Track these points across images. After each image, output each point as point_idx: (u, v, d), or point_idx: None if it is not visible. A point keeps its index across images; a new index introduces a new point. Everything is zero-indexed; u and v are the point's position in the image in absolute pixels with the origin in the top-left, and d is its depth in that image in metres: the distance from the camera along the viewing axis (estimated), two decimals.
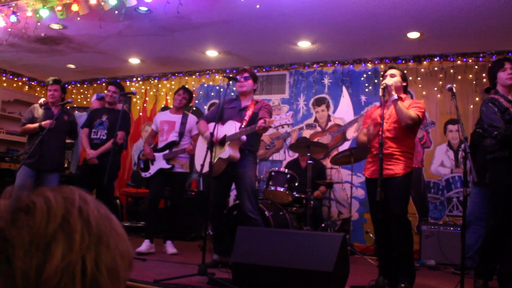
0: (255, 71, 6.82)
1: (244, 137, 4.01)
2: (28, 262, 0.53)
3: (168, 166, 4.97)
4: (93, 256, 0.57)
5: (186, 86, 5.59)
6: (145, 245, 4.74)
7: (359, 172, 5.83)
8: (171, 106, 5.58)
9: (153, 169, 5.03)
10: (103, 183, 4.27)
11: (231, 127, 4.07)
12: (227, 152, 4.00)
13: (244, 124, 4.10)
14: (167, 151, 5.01)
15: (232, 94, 4.46)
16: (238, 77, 4.31)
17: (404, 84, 3.71)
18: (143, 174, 5.12)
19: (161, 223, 5.19)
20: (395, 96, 3.51)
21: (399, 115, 3.49)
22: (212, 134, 3.72)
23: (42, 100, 5.27)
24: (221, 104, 4.15)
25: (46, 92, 7.93)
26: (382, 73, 6.01)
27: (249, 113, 4.20)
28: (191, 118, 5.16)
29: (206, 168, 3.92)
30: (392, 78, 3.66)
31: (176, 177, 5.02)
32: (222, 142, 4.06)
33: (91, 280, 0.56)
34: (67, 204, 0.59)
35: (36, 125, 4.94)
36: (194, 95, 7.52)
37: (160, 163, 5.00)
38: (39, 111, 5.13)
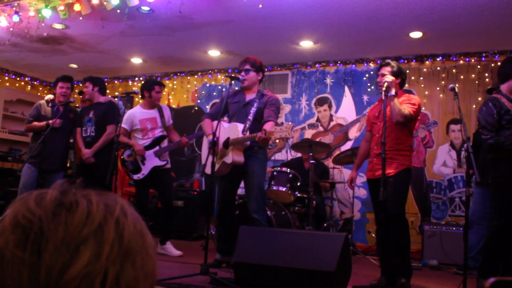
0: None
1: (247, 142, 3.89)
2: (55, 259, 0.54)
3: (162, 163, 4.82)
4: (116, 270, 0.56)
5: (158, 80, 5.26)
6: None
7: (362, 172, 5.82)
8: (141, 102, 5.28)
9: (146, 168, 4.79)
10: (106, 182, 4.24)
11: (234, 129, 3.93)
12: (230, 157, 3.88)
13: (248, 124, 3.94)
14: (157, 148, 4.83)
15: (236, 88, 4.36)
16: (240, 68, 4.18)
17: (398, 80, 3.64)
18: (135, 177, 4.82)
19: (158, 223, 5.10)
20: (393, 92, 3.50)
21: (392, 112, 3.49)
22: (214, 134, 3.68)
23: (49, 97, 5.20)
24: (224, 99, 4.06)
25: (48, 92, 8.00)
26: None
27: (253, 110, 4.01)
28: (165, 108, 5.07)
29: (209, 169, 3.88)
30: (383, 78, 3.64)
31: (167, 173, 4.90)
32: (226, 145, 3.95)
33: None
34: (106, 213, 0.59)
35: (43, 123, 4.87)
36: (196, 95, 7.53)
37: (153, 161, 4.80)
38: (46, 109, 5.06)
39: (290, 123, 3.62)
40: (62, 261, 0.54)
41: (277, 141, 3.65)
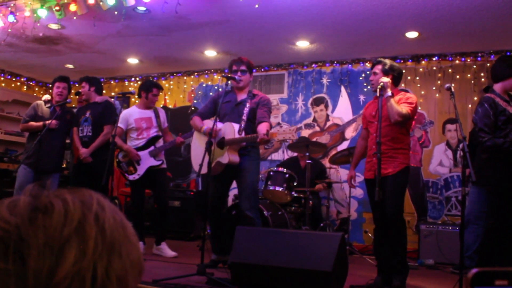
0: (254, 70, 6.82)
1: (243, 142, 3.92)
2: (40, 263, 0.53)
3: (157, 163, 4.81)
4: (105, 264, 0.57)
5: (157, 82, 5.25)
6: (140, 247, 4.68)
7: (358, 171, 5.82)
8: (137, 102, 5.26)
9: (141, 169, 4.79)
10: (102, 182, 4.24)
11: (229, 129, 3.95)
12: (226, 157, 3.90)
13: (242, 124, 3.95)
14: (152, 148, 4.83)
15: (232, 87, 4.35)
16: (234, 67, 4.18)
17: (389, 77, 3.61)
18: (130, 177, 4.82)
19: (154, 223, 5.08)
20: (389, 93, 3.50)
21: (389, 111, 3.48)
22: (211, 134, 3.68)
23: (46, 97, 5.17)
24: (221, 100, 4.05)
25: (44, 92, 7.97)
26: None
27: (246, 110, 4.03)
28: (160, 110, 5.09)
29: (204, 169, 3.88)
30: (375, 76, 3.64)
31: (162, 173, 4.89)
32: (221, 144, 3.97)
33: (101, 287, 0.56)
34: (84, 209, 0.59)
35: (39, 123, 4.86)
36: (192, 95, 7.53)
37: (148, 161, 4.79)
38: (43, 109, 5.05)
39: (292, 126, 3.64)
40: (49, 264, 0.53)
41: (277, 139, 3.64)
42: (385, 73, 3.62)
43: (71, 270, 0.54)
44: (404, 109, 3.47)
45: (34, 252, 0.53)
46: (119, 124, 4.77)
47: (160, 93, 5.10)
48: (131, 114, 4.94)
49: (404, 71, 4.11)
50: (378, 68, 3.66)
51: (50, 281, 0.53)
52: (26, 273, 0.53)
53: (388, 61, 3.70)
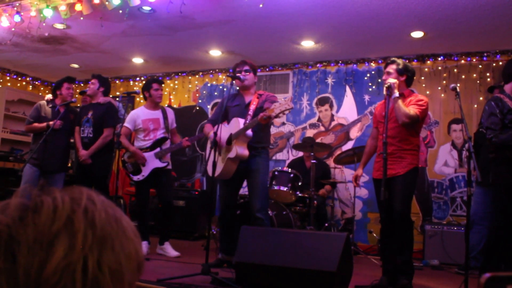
0: (259, 70, 6.83)
1: (249, 132, 3.88)
2: (30, 260, 0.54)
3: (163, 164, 4.79)
4: (96, 257, 0.57)
5: (158, 78, 5.13)
6: (145, 247, 4.71)
7: (364, 171, 5.81)
8: (144, 102, 5.21)
9: (146, 170, 4.78)
10: (106, 183, 4.25)
11: (236, 124, 3.98)
12: (234, 151, 3.91)
13: (248, 119, 3.99)
14: (158, 149, 4.82)
15: (238, 87, 4.38)
16: (238, 69, 4.22)
17: (403, 78, 3.62)
18: (135, 178, 4.81)
19: (158, 223, 5.08)
20: (396, 94, 3.48)
21: (396, 113, 3.47)
22: (215, 133, 3.69)
23: (48, 97, 5.19)
24: (224, 103, 4.09)
25: (50, 92, 8.00)
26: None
27: (252, 107, 4.07)
28: (169, 111, 5.07)
29: (217, 172, 3.89)
30: (389, 76, 3.63)
31: (167, 173, 4.88)
32: (229, 141, 3.98)
33: (92, 280, 0.56)
34: (73, 205, 0.59)
35: (43, 124, 4.87)
36: (197, 95, 7.54)
37: (153, 163, 4.78)
38: (46, 109, 5.07)
39: (288, 97, 3.63)
40: (39, 260, 0.54)
41: (274, 113, 3.61)
42: (400, 73, 3.61)
43: (61, 264, 0.54)
44: (412, 110, 3.45)
45: (24, 248, 0.54)
46: (126, 124, 4.79)
47: (162, 88, 5.05)
48: (139, 114, 4.94)
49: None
50: (392, 68, 3.64)
51: (40, 276, 0.54)
52: (16, 270, 0.53)
53: (401, 61, 3.68)
